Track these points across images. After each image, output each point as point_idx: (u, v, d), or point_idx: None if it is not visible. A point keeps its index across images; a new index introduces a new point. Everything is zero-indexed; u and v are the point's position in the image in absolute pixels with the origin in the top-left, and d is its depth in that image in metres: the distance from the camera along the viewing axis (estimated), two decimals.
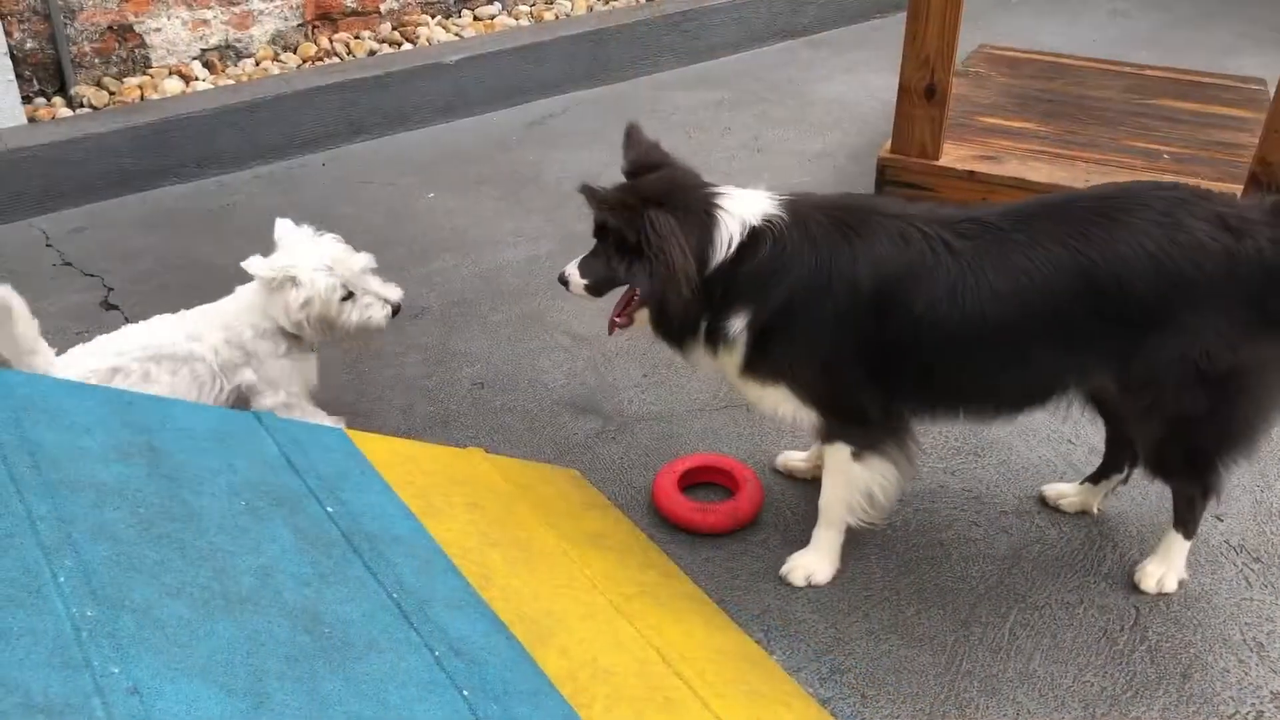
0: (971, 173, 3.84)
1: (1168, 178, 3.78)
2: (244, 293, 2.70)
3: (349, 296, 2.64)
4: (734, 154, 4.66)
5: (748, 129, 4.93)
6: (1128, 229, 2.14)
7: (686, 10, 5.57)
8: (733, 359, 2.33)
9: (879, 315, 2.21)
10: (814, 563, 2.52)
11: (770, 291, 2.23)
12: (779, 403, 2.37)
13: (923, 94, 3.77)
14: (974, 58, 4.89)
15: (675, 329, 2.31)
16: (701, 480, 2.81)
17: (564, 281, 2.39)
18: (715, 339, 2.31)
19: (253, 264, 2.60)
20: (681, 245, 2.17)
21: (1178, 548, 2.47)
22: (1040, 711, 2.21)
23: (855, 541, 2.57)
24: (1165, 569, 2.48)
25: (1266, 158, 3.22)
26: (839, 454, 2.41)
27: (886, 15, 6.20)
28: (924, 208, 2.34)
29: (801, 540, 2.59)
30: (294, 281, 2.58)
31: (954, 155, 3.92)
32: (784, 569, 2.53)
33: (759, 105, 5.19)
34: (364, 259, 2.69)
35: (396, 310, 2.71)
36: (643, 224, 2.17)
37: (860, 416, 2.36)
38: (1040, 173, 3.81)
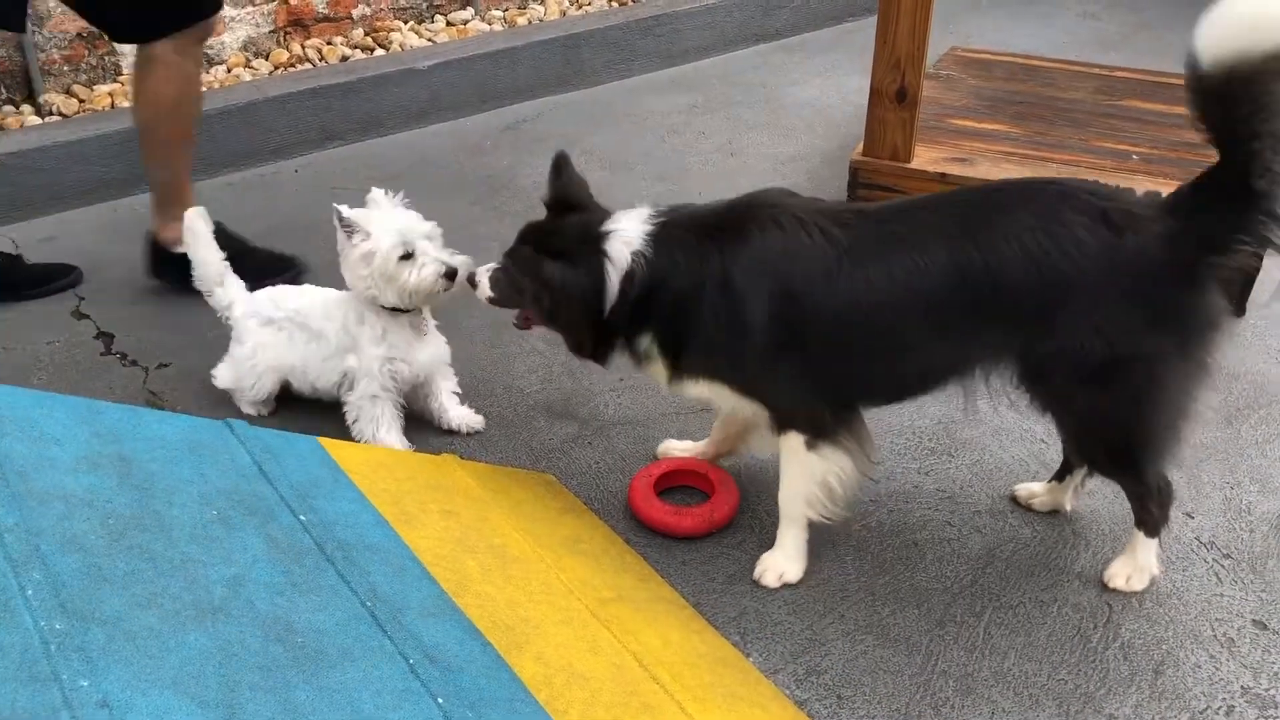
0: (944, 175, 3.86)
1: (1137, 178, 3.83)
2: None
3: (408, 257, 2.75)
4: (708, 158, 4.67)
5: (721, 133, 4.94)
6: (1006, 225, 2.15)
7: (659, 15, 5.58)
8: (657, 370, 2.44)
9: (760, 299, 2.24)
10: (783, 562, 2.53)
11: (658, 311, 2.32)
12: (718, 399, 2.46)
13: (894, 97, 3.79)
14: (945, 60, 4.91)
15: (589, 355, 2.48)
16: (677, 484, 2.82)
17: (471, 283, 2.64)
18: (634, 355, 2.43)
19: (342, 209, 2.76)
20: (569, 308, 2.35)
21: (1142, 546, 2.48)
22: (1015, 710, 2.22)
23: (830, 542, 2.58)
24: (1132, 568, 2.49)
25: None
26: (792, 443, 2.43)
27: (858, 18, 6.22)
28: (804, 200, 2.38)
29: None
30: (365, 235, 2.74)
31: (926, 158, 3.95)
32: (756, 572, 2.53)
33: (732, 109, 5.20)
34: (428, 226, 2.83)
35: (452, 275, 2.81)
36: (539, 284, 2.35)
37: (796, 403, 2.39)
38: (1011, 174, 3.83)
